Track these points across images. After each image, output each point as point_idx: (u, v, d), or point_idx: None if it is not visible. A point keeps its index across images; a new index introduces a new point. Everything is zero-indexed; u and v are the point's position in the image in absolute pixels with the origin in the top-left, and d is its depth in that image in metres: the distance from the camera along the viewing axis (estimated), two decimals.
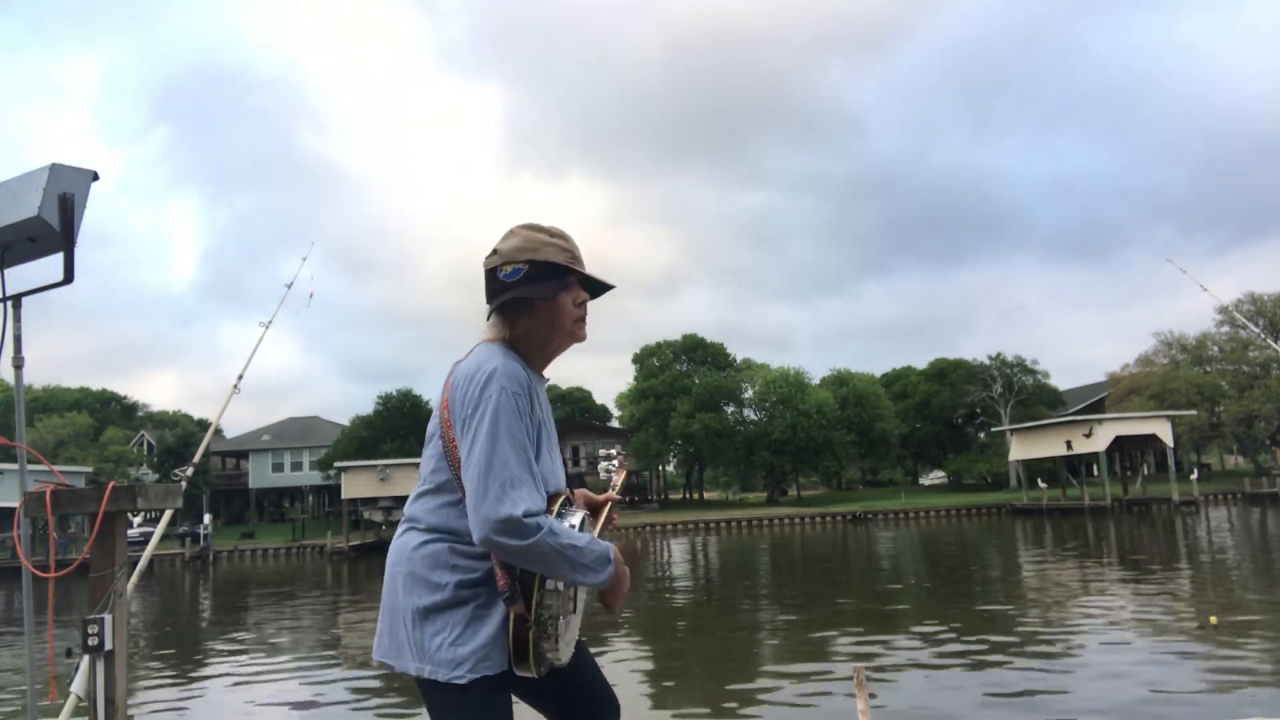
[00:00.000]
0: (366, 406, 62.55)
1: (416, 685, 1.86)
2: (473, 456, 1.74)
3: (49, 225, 2.74)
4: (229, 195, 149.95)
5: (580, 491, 2.12)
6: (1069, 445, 45.75)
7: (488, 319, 1.97)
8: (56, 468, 3.12)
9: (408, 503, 1.97)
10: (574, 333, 2.00)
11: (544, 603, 1.80)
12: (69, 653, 2.80)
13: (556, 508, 1.88)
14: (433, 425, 1.93)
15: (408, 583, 1.84)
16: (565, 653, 1.90)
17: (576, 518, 1.87)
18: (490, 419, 1.76)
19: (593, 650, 2.25)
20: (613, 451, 2.35)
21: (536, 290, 1.90)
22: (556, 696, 2.07)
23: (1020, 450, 50.28)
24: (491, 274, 1.94)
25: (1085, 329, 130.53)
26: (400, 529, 1.96)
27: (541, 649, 1.82)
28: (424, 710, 1.88)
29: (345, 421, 61.88)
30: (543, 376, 2.04)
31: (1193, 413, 50.21)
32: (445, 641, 1.79)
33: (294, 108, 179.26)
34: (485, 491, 1.70)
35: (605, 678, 2.16)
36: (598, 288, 2.05)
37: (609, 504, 2.10)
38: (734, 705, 8.13)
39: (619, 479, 2.27)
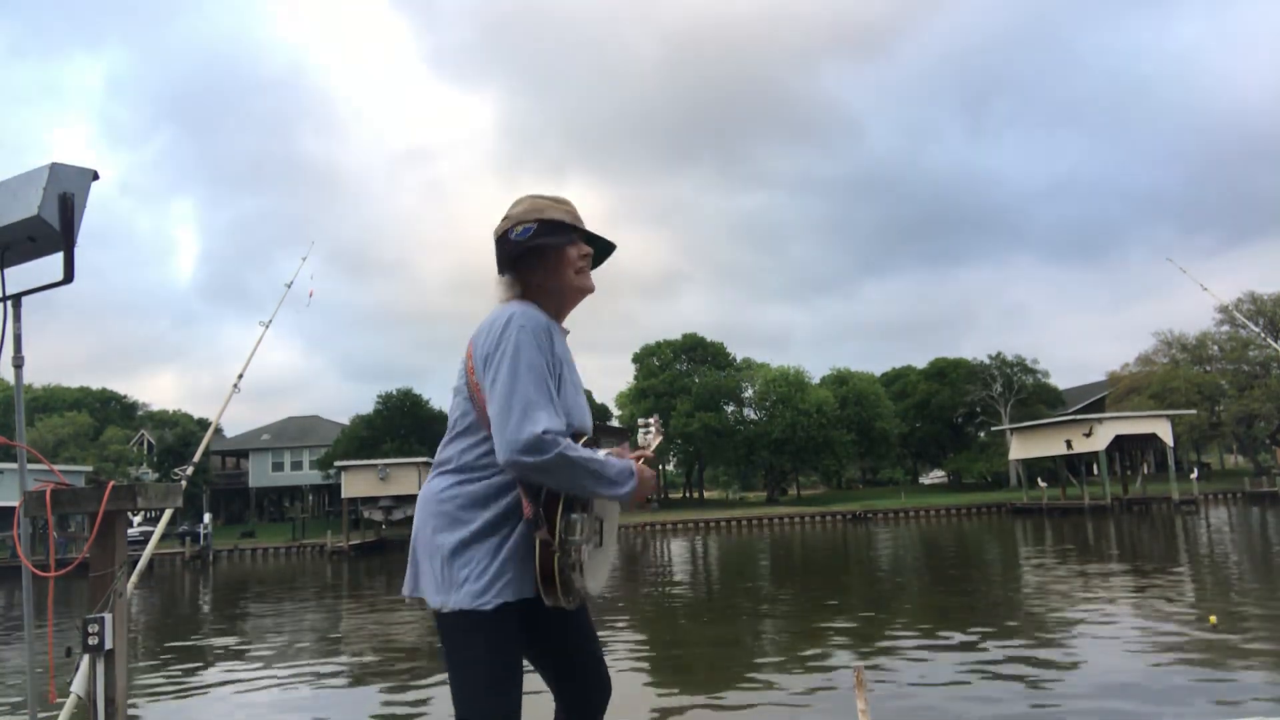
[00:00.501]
0: (366, 406, 62.65)
1: (436, 622, 1.97)
2: (496, 388, 1.89)
3: (49, 225, 2.74)
4: (230, 196, 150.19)
5: (614, 449, 2.18)
6: (1069, 445, 45.75)
7: (511, 281, 2.11)
8: (56, 467, 3.12)
9: (439, 450, 2.09)
10: (581, 283, 2.16)
11: (568, 529, 1.89)
12: (69, 652, 2.80)
13: (580, 444, 1.95)
14: (458, 379, 2.07)
15: (440, 521, 1.96)
16: (594, 585, 1.99)
17: (602, 452, 1.96)
18: (511, 353, 1.90)
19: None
20: (650, 421, 2.45)
21: (545, 244, 2.07)
22: (556, 664, 2.16)
23: (1020, 449, 50.28)
24: (503, 237, 2.11)
25: (1084, 329, 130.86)
26: (431, 474, 2.07)
27: (569, 577, 1.90)
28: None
29: (345, 421, 61.89)
30: (563, 328, 2.16)
31: (1193, 412, 50.22)
32: (473, 574, 1.90)
33: (295, 110, 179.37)
34: (508, 416, 1.84)
35: (603, 656, 2.25)
36: (601, 248, 2.25)
37: (640, 459, 2.15)
38: (734, 705, 8.13)
39: (655, 442, 2.35)
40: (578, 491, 1.89)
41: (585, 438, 2.02)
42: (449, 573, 1.92)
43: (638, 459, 2.11)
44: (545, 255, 2.10)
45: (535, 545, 1.91)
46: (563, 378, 2.02)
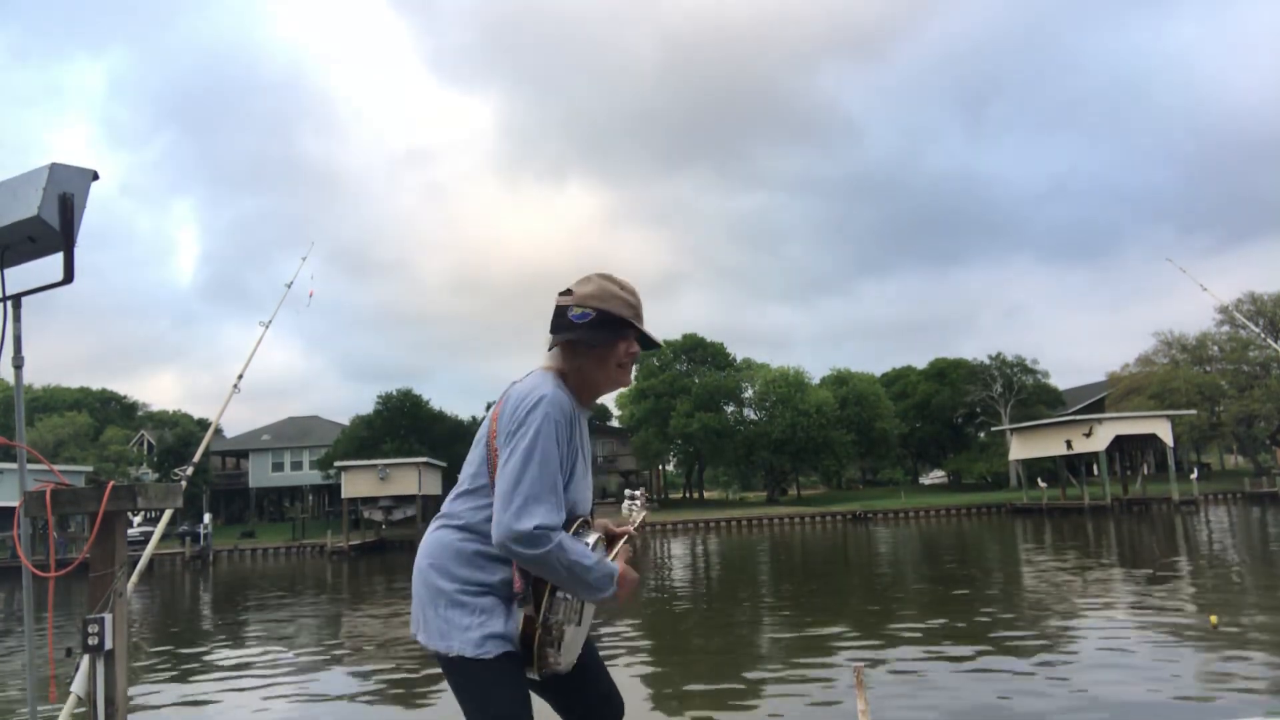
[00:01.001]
0: (366, 406, 62.70)
1: (442, 667, 2.06)
2: (507, 468, 1.97)
3: (49, 225, 2.74)
4: (230, 197, 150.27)
5: (601, 521, 2.28)
6: (1069, 445, 45.75)
7: (549, 349, 2.20)
8: (56, 467, 3.12)
9: (447, 500, 2.18)
10: (618, 379, 2.23)
11: (553, 609, 2.00)
12: (69, 652, 2.80)
13: (574, 528, 2.07)
14: (481, 432, 2.15)
15: (442, 574, 2.06)
16: (566, 661, 2.08)
17: (591, 538, 2.07)
18: (530, 438, 1.97)
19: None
20: (636, 493, 2.53)
21: (596, 337, 2.15)
22: (562, 690, 2.23)
23: (1020, 450, 50.28)
24: (562, 311, 2.17)
25: (1083, 329, 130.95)
26: (436, 523, 2.17)
27: (545, 653, 2.01)
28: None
29: (345, 421, 61.92)
30: (587, 409, 2.26)
31: (1193, 412, 50.20)
32: (474, 624, 2.00)
33: (295, 111, 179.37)
34: (509, 503, 1.92)
35: (612, 681, 2.33)
36: (648, 342, 2.28)
37: (625, 537, 2.28)
38: (733, 704, 8.13)
39: (639, 518, 2.44)
40: (560, 586, 1.99)
41: (580, 519, 2.12)
42: (453, 621, 2.02)
43: (621, 535, 2.26)
44: (595, 346, 2.16)
45: (520, 620, 2.02)
46: (574, 469, 2.10)
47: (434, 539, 2.13)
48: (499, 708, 1.99)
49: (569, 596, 2.02)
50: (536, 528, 1.89)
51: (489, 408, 2.21)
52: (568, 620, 2.03)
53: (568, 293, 2.19)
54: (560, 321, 2.17)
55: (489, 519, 2.01)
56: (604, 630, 12.81)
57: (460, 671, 2.01)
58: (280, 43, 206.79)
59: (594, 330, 2.14)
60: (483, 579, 2.04)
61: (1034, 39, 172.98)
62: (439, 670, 2.16)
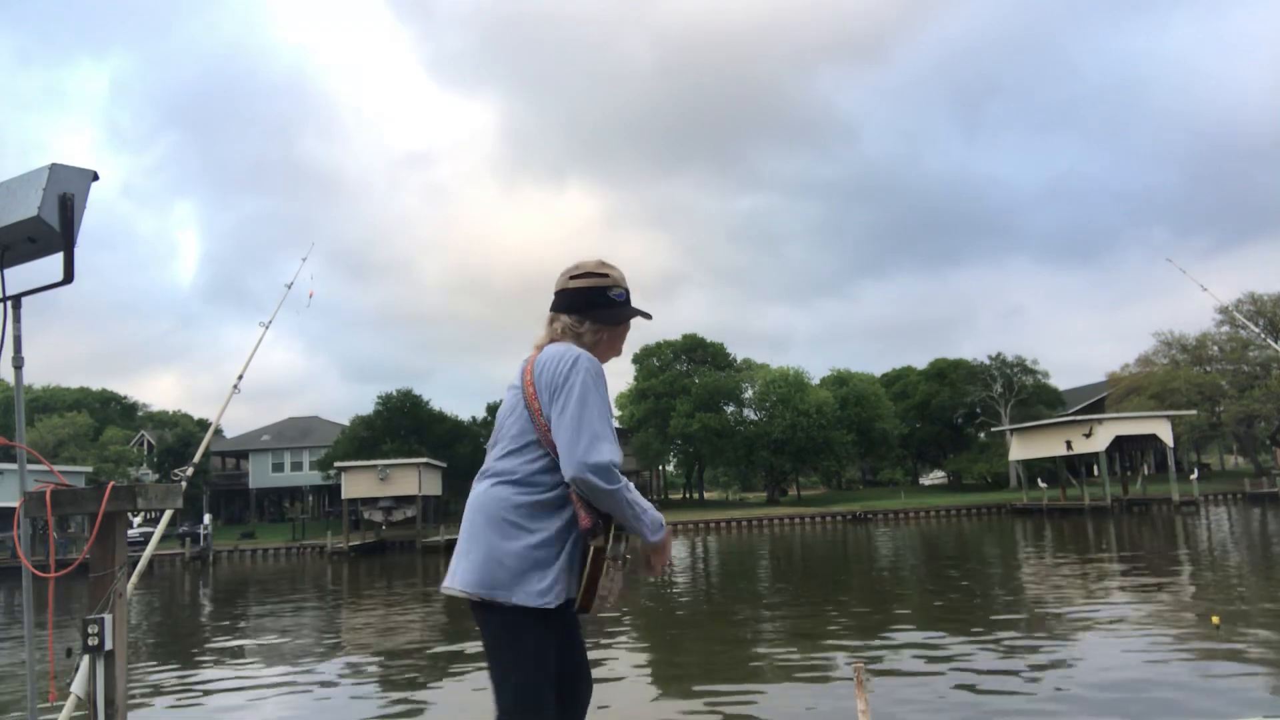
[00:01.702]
0: (366, 407, 62.70)
1: (484, 613, 2.19)
2: (566, 414, 2.17)
3: (49, 225, 2.74)
4: (232, 199, 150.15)
5: None
6: (1069, 445, 45.74)
7: (556, 324, 2.45)
8: (56, 468, 3.12)
9: (492, 460, 2.34)
10: (619, 350, 2.58)
11: (615, 542, 2.19)
12: (69, 653, 2.80)
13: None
14: (514, 400, 2.35)
15: (508, 527, 2.20)
16: (609, 603, 2.25)
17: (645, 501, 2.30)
18: (580, 388, 2.20)
19: (594, 649, 2.31)
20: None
21: (624, 313, 2.50)
22: (560, 661, 2.33)
23: (1020, 450, 50.27)
24: (602, 290, 2.45)
25: (1082, 330, 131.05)
26: (487, 481, 2.31)
27: (599, 588, 2.19)
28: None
29: (345, 422, 61.86)
30: None
31: (1193, 413, 50.16)
32: (538, 575, 2.16)
33: (297, 114, 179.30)
34: (578, 441, 2.13)
35: (587, 657, 2.52)
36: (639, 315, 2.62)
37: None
38: (733, 704, 8.13)
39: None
40: (621, 520, 2.19)
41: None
42: (515, 571, 2.15)
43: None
44: (620, 322, 2.49)
45: (588, 552, 2.17)
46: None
47: (491, 494, 2.26)
48: (543, 654, 2.18)
49: (625, 538, 2.21)
50: (610, 461, 2.11)
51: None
52: (620, 557, 2.20)
53: (593, 275, 2.46)
54: (599, 299, 2.44)
55: (543, 469, 2.23)
56: (605, 630, 12.81)
57: (514, 620, 2.15)
58: (282, 47, 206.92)
59: (624, 307, 2.48)
60: (543, 531, 2.19)
61: (1031, 41, 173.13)
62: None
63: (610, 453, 2.12)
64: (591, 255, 2.52)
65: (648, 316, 2.57)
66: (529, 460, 2.25)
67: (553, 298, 2.52)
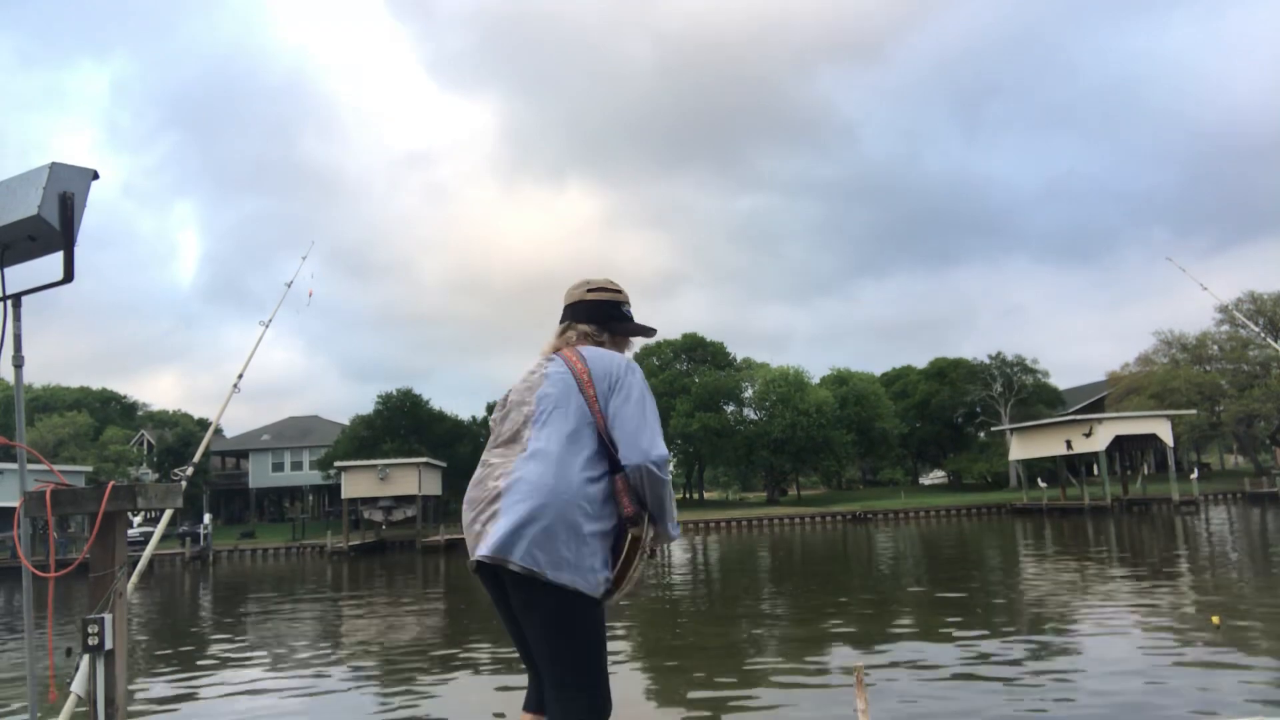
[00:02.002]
0: (366, 406, 62.65)
1: (533, 592, 2.23)
2: (629, 406, 2.35)
3: (49, 224, 2.74)
4: (232, 199, 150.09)
5: None
6: (1069, 445, 45.74)
7: (606, 332, 2.63)
8: (56, 467, 3.12)
9: (548, 441, 2.37)
10: None
11: (651, 536, 2.34)
12: (69, 652, 2.80)
13: None
14: (561, 385, 2.43)
15: (582, 511, 2.28)
16: (637, 591, 2.55)
17: None
18: (639, 385, 2.41)
19: None
20: None
21: (634, 328, 2.72)
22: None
23: (1020, 450, 50.27)
24: (618, 305, 2.68)
25: (1082, 329, 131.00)
26: (550, 464, 2.32)
27: (632, 577, 2.33)
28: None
29: (345, 421, 61.86)
30: None
31: (1193, 412, 50.15)
32: (597, 563, 2.27)
33: (297, 114, 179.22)
34: (643, 433, 2.31)
35: None
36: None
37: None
38: (733, 704, 8.13)
39: None
40: (657, 510, 2.35)
41: None
42: (580, 556, 2.24)
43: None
44: (630, 334, 2.72)
45: (624, 540, 2.31)
46: None
47: (558, 476, 2.29)
48: (598, 636, 2.30)
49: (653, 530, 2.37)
50: (667, 455, 2.32)
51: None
52: (651, 552, 2.36)
53: (608, 290, 2.67)
54: (615, 313, 2.67)
55: (598, 456, 2.34)
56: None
57: (571, 603, 2.24)
58: (282, 47, 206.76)
59: (634, 323, 2.71)
60: (605, 520, 2.31)
61: (1030, 42, 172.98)
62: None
63: (664, 448, 2.33)
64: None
65: (652, 333, 2.77)
66: (587, 445, 2.35)
67: (565, 308, 2.69)
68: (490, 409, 60.53)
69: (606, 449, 2.37)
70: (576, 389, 2.40)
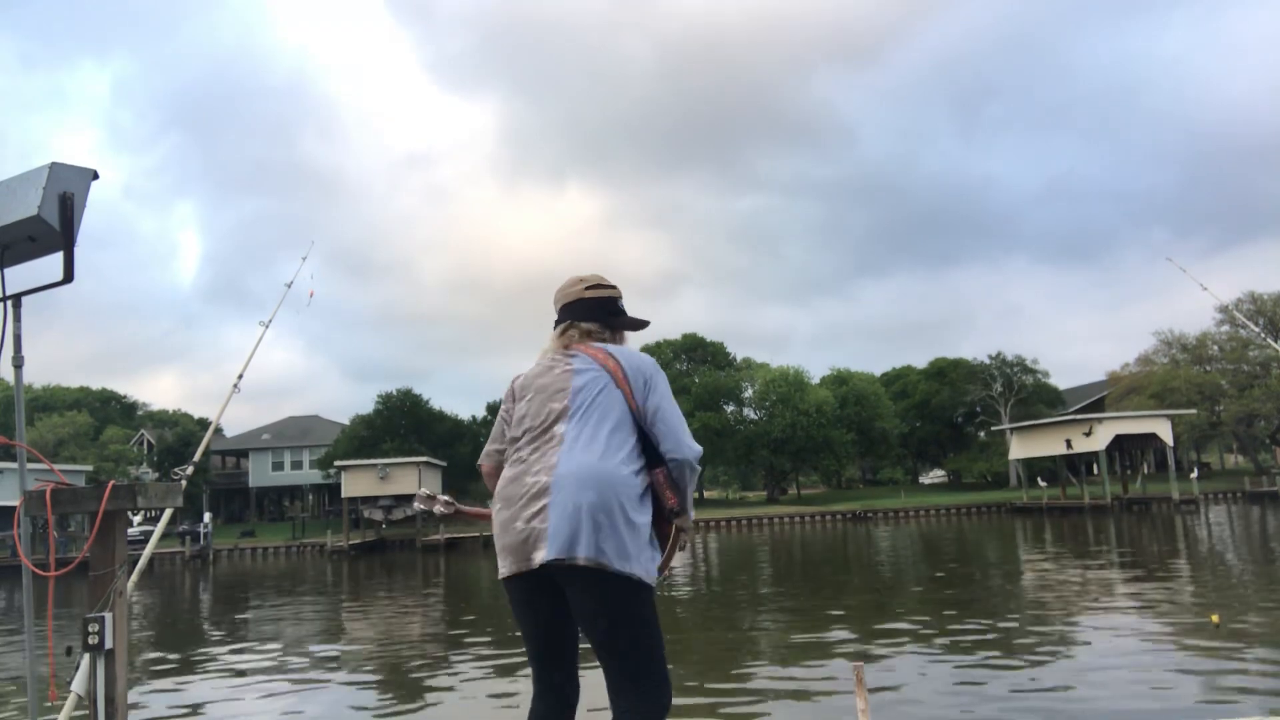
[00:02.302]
0: (366, 406, 62.57)
1: (594, 581, 2.23)
2: (667, 408, 2.44)
3: (49, 224, 2.74)
4: (233, 199, 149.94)
5: None
6: (1069, 444, 45.74)
7: (618, 330, 2.68)
8: (56, 466, 3.12)
9: (594, 434, 2.38)
10: None
11: (686, 527, 2.46)
12: (69, 651, 2.80)
13: None
14: (597, 384, 2.45)
15: (632, 502, 2.32)
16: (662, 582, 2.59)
17: None
18: (667, 384, 2.51)
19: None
20: None
21: (634, 321, 2.75)
22: (560, 635, 2.42)
23: (1020, 449, 50.26)
24: (614, 301, 2.69)
25: (1082, 329, 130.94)
26: (597, 453, 2.34)
27: (670, 565, 2.46)
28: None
29: (345, 421, 61.86)
30: None
31: (1193, 412, 50.14)
32: (652, 555, 2.34)
33: (298, 115, 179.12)
34: (683, 429, 2.43)
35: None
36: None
37: None
38: (733, 704, 8.13)
39: None
40: (687, 500, 2.43)
41: None
42: (640, 548, 2.29)
43: None
44: (628, 329, 2.74)
45: (672, 533, 2.43)
46: None
47: (615, 471, 2.32)
48: (655, 621, 2.34)
49: None
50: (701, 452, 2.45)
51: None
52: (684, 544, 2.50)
53: (605, 286, 2.68)
54: (614, 308, 2.68)
55: (638, 451, 2.40)
56: None
57: (632, 592, 2.27)
58: (283, 49, 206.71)
59: (629, 317, 2.73)
60: (648, 513, 2.37)
61: (1028, 43, 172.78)
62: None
63: None
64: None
65: (646, 324, 2.80)
66: (628, 440, 2.40)
67: (562, 308, 2.67)
68: (491, 409, 60.57)
69: (642, 444, 2.41)
70: (612, 384, 2.44)
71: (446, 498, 2.98)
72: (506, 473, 2.45)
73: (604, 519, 2.24)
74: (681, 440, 2.39)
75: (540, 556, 2.25)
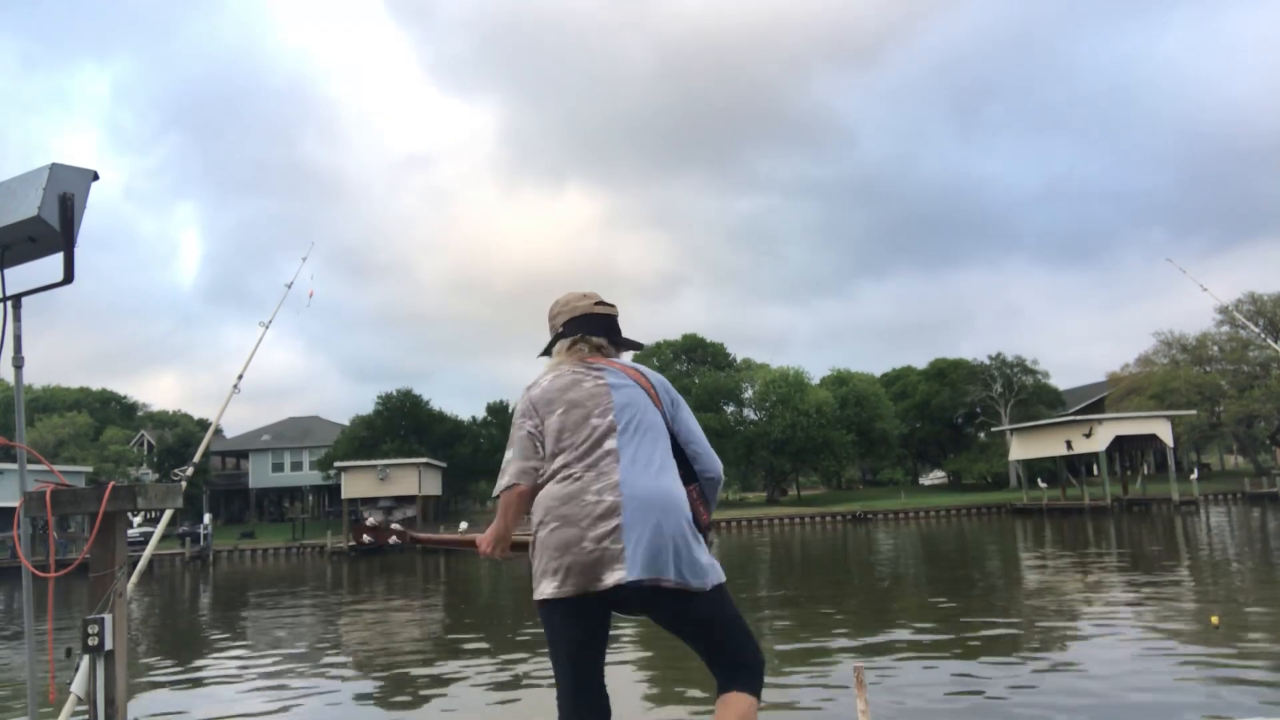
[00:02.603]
0: (366, 407, 62.55)
1: (684, 598, 2.30)
2: (693, 425, 2.58)
3: (49, 225, 2.74)
4: (233, 201, 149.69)
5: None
6: (1069, 445, 45.72)
7: (620, 348, 2.71)
8: (56, 467, 3.12)
9: (642, 452, 2.39)
10: None
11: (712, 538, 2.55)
12: (69, 653, 2.80)
13: None
14: (640, 401, 2.48)
15: (692, 523, 2.38)
16: None
17: None
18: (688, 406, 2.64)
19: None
20: None
21: (635, 343, 2.80)
22: (600, 657, 2.45)
23: (1020, 450, 50.25)
24: (617, 320, 2.73)
25: (1082, 330, 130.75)
26: (661, 473, 2.39)
27: None
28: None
29: (345, 421, 61.83)
30: None
31: (1193, 413, 50.13)
32: (712, 558, 2.41)
33: (299, 117, 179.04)
34: (711, 448, 2.58)
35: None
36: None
37: None
38: None
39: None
40: (712, 512, 2.57)
41: None
42: (708, 556, 2.40)
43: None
44: (628, 349, 2.78)
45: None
46: None
47: (677, 488, 2.41)
48: (737, 607, 2.46)
49: None
50: None
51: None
52: None
53: (608, 304, 2.72)
54: (618, 327, 2.72)
55: (678, 466, 2.49)
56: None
57: (720, 594, 2.38)
58: (283, 50, 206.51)
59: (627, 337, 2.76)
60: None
61: (1027, 44, 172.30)
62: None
63: None
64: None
65: (642, 346, 2.91)
66: (672, 457, 2.48)
67: (569, 322, 2.64)
68: (492, 410, 60.54)
69: (678, 460, 2.51)
70: (650, 403, 2.50)
71: (397, 526, 3.02)
72: (556, 490, 2.33)
73: (682, 543, 2.31)
74: (715, 460, 2.56)
75: (616, 578, 2.20)
